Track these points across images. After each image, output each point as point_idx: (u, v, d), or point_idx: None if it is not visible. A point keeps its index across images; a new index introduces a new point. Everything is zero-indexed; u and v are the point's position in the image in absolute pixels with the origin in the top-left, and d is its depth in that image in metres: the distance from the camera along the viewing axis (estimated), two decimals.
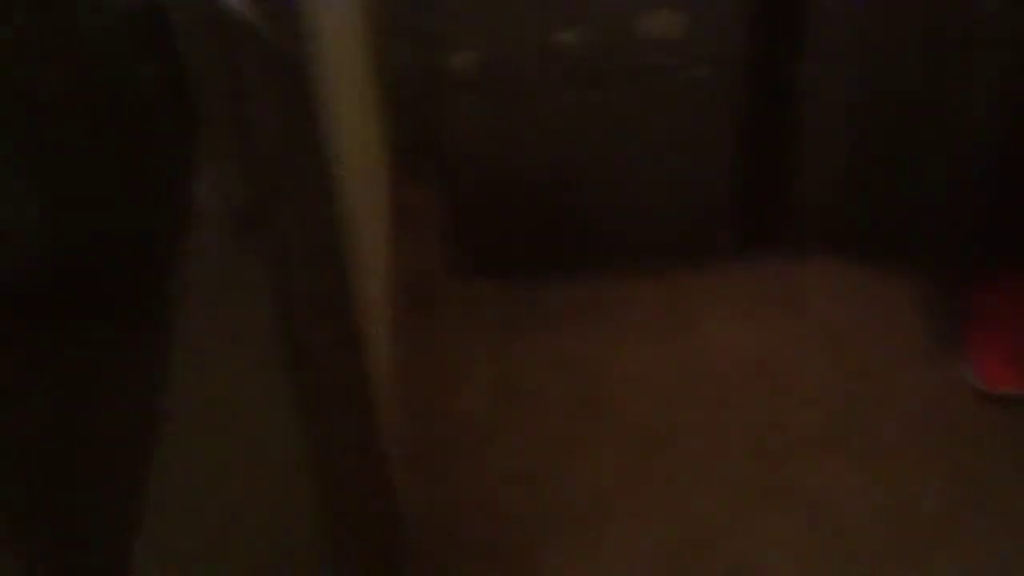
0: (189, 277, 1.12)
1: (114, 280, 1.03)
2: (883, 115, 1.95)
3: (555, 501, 1.72)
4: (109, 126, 1.06)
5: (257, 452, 1.24)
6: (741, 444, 1.80)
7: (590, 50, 1.87)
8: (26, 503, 0.83)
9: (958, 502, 1.71)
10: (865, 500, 1.72)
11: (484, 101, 1.91)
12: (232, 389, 1.18)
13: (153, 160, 1.11)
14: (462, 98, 1.90)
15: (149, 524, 0.87)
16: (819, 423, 1.82)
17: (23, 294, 0.95)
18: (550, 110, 1.92)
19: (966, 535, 1.68)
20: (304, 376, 1.41)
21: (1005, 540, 1.67)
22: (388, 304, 1.85)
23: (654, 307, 2.00)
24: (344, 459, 1.51)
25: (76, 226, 1.03)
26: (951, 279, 1.97)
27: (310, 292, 1.37)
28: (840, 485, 1.74)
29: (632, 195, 2.01)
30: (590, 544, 1.68)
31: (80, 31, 1.04)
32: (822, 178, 2.02)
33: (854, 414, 1.83)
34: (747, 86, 1.94)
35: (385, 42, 2.07)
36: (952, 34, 1.87)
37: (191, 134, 1.14)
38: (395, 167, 2.18)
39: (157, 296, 1.06)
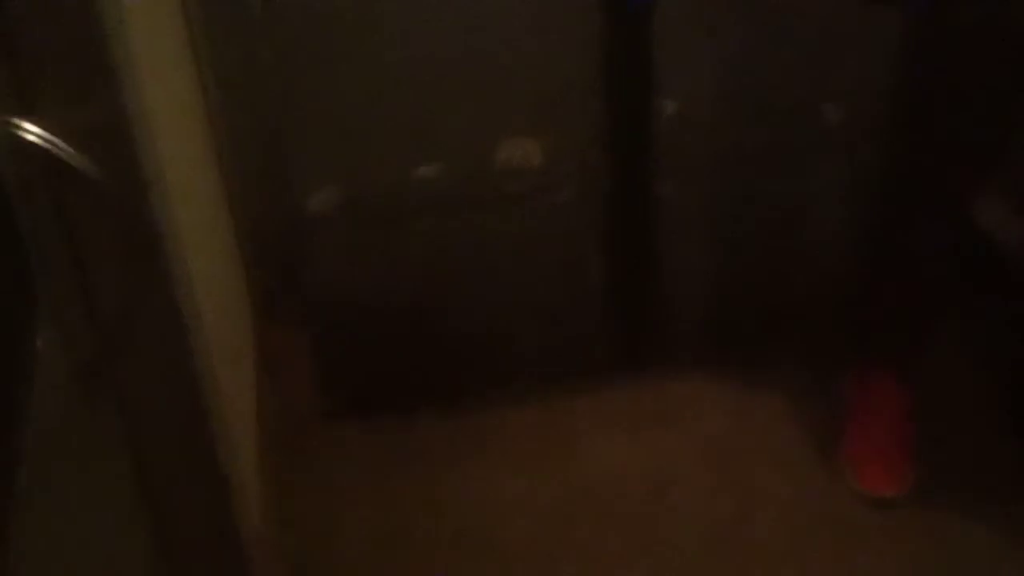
0: (33, 436, 1.05)
1: None
2: (740, 225, 1.99)
3: None
4: None
5: None
6: (627, 566, 1.77)
7: (451, 183, 1.87)
8: None
9: None
10: None
11: (345, 239, 1.89)
12: (86, 549, 1.11)
13: None
14: (322, 237, 1.89)
15: None
16: (705, 538, 1.80)
17: None
18: (413, 244, 1.91)
19: None
20: (166, 529, 1.35)
21: None
22: (258, 450, 1.79)
23: (531, 432, 1.97)
24: None
25: None
26: (822, 383, 1.99)
27: (167, 443, 1.32)
28: None
29: (502, 321, 2.00)
30: None
31: None
32: (688, 291, 2.04)
33: (739, 525, 1.81)
34: (609, 206, 1.96)
35: (240, 183, 2.06)
36: (798, 143, 1.93)
37: (28, 286, 1.09)
38: (261, 311, 2.14)
39: None
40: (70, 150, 1.03)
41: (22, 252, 1.04)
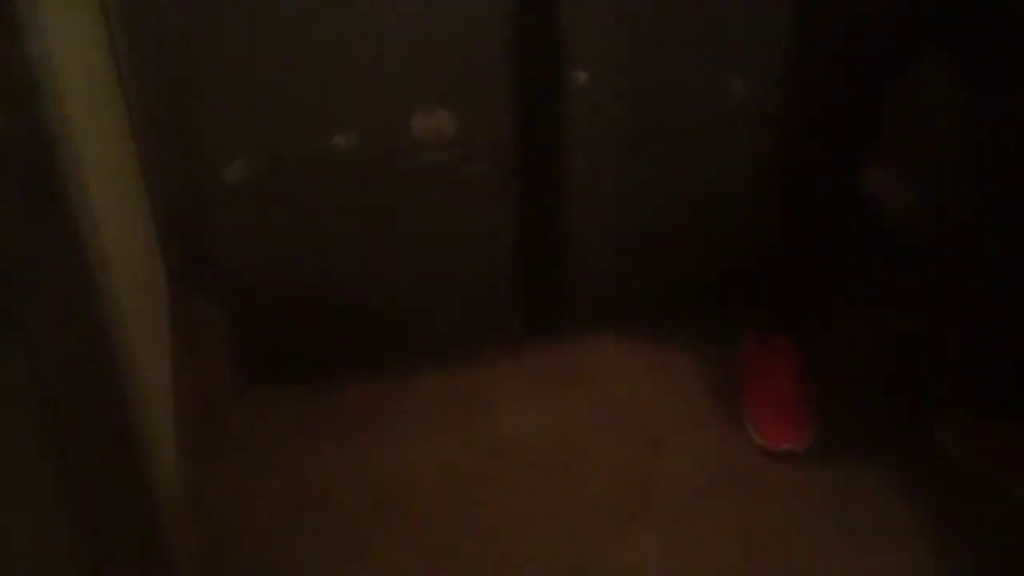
0: None
1: None
2: (647, 195, 2.04)
3: None
4: None
5: None
6: (541, 524, 1.80)
7: (366, 153, 1.89)
8: None
9: (751, 559, 1.75)
10: (663, 567, 1.74)
11: (259, 209, 1.89)
12: None
13: None
14: (237, 208, 1.89)
15: None
16: (615, 496, 1.84)
17: None
18: (328, 214, 1.93)
19: None
20: (75, 490, 1.35)
21: None
22: (173, 418, 1.80)
23: (447, 398, 2.01)
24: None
25: None
26: (724, 345, 2.05)
27: (75, 400, 1.32)
28: (639, 554, 1.76)
29: (417, 291, 2.03)
30: None
31: None
32: (595, 259, 2.09)
33: (647, 483, 1.86)
34: (520, 178, 1.99)
35: (152, 152, 2.06)
36: (705, 117, 1.98)
37: None
38: (176, 282, 2.15)
39: None
40: None
41: None
